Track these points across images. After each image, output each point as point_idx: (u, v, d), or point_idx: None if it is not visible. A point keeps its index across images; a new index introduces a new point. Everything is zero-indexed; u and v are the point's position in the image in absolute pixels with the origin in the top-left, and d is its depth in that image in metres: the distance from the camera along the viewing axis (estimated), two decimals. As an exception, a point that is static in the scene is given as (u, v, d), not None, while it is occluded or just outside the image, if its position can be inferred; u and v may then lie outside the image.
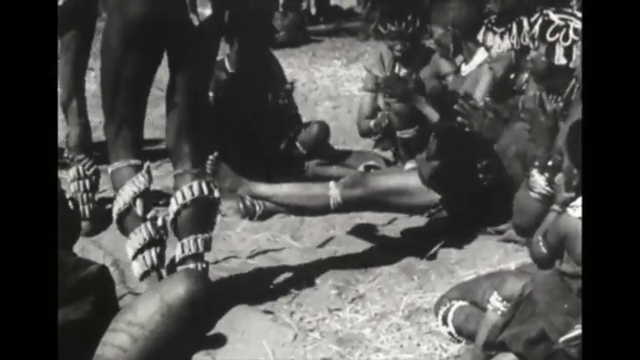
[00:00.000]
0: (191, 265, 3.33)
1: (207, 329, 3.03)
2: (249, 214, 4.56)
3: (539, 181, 3.12)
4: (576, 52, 3.45)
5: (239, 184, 4.71)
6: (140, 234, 3.30)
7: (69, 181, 4.37)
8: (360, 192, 4.40)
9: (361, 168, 5.02)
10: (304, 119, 5.41)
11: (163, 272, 3.33)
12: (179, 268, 3.30)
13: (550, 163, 3.08)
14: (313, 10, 10.73)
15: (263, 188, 4.62)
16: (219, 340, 3.14)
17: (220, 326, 3.27)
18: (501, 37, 4.20)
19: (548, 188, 3.07)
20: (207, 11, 3.20)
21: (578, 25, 3.54)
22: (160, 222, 3.36)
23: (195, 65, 3.36)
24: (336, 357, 3.16)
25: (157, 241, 3.33)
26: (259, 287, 3.74)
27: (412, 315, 3.41)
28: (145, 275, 3.32)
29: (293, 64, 8.25)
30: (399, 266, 3.88)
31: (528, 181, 3.17)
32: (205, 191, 3.39)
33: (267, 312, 3.51)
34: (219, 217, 4.55)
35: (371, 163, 5.08)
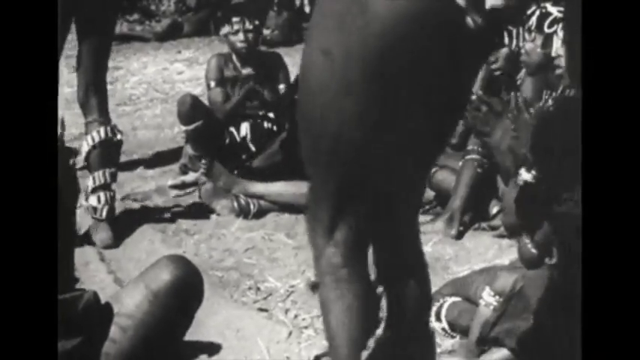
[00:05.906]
0: (101, 194, 4.10)
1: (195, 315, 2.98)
2: (243, 212, 4.55)
3: (527, 178, 3.08)
4: (556, 42, 3.42)
5: (233, 182, 4.71)
6: None
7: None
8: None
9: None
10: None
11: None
12: (90, 196, 4.09)
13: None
14: (307, 8, 10.70)
15: (257, 187, 4.62)
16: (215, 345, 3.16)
17: (215, 324, 3.28)
18: (529, 32, 4.14)
19: None
20: None
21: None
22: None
23: (95, 32, 4.04)
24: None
25: None
26: (254, 285, 3.75)
27: (407, 311, 3.41)
28: None
29: (288, 63, 8.23)
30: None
31: (517, 180, 3.14)
32: (110, 134, 4.15)
33: (261, 310, 3.52)
34: (214, 217, 4.59)
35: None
